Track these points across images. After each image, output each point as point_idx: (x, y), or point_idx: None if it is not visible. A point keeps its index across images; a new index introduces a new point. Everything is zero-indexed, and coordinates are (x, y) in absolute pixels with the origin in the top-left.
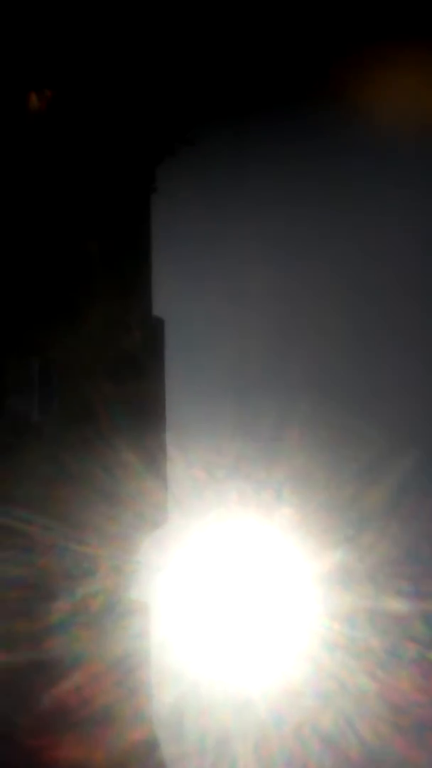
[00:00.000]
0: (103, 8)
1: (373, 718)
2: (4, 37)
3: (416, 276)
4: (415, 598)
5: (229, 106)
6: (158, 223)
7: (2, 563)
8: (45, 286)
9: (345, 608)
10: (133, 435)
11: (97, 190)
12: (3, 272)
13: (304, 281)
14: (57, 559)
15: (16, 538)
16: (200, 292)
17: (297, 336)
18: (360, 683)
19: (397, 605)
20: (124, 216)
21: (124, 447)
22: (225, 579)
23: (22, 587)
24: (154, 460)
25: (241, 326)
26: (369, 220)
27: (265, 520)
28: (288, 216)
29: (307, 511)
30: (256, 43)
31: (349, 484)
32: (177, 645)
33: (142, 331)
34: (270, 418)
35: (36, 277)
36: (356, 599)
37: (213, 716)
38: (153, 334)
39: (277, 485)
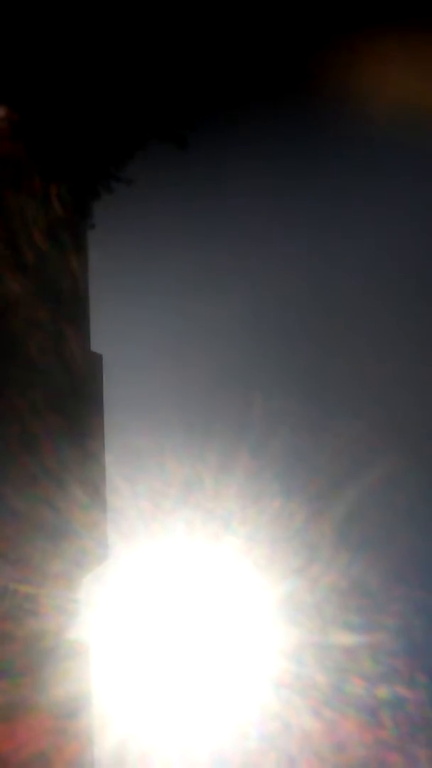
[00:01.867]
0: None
1: (317, 759)
2: None
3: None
4: (364, 631)
5: (169, 139)
6: (95, 258)
7: None
8: None
9: (291, 643)
10: (73, 469)
11: (32, 226)
12: None
13: (244, 316)
14: None
15: None
16: (139, 326)
17: (241, 367)
18: (305, 722)
19: (345, 639)
20: (60, 252)
21: (65, 481)
22: (170, 614)
23: None
24: (96, 493)
25: (183, 358)
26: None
27: (213, 552)
28: (231, 249)
29: (256, 542)
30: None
31: (298, 514)
32: (119, 687)
33: (81, 366)
34: (218, 446)
35: None
36: (303, 633)
37: (155, 762)
38: (92, 369)
39: (225, 515)
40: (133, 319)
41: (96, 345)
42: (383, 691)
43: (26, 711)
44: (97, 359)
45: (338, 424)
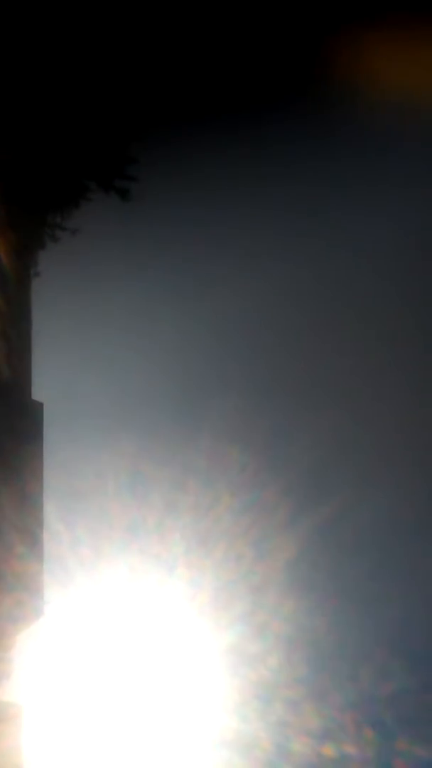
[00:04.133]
0: None
1: None
2: None
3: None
4: (309, 683)
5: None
6: (39, 306)
7: None
8: None
9: (234, 696)
10: (10, 517)
11: None
12: None
13: (188, 364)
14: None
15: None
16: (82, 375)
17: (182, 408)
18: None
19: (290, 692)
20: (3, 300)
21: (2, 532)
22: (109, 669)
23: None
24: (33, 541)
25: (125, 403)
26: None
27: (156, 598)
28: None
29: (200, 587)
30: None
31: (244, 557)
32: (54, 753)
33: (21, 415)
34: (163, 488)
35: None
36: (246, 685)
37: None
38: (32, 417)
39: (170, 559)
40: (76, 367)
41: (37, 393)
42: (329, 749)
43: None
44: (37, 407)
45: (282, 465)
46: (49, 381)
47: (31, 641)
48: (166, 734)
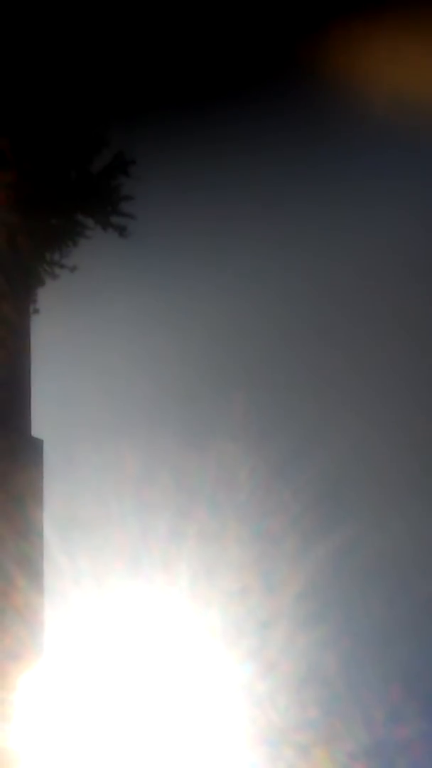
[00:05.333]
0: None
1: None
2: None
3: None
4: (321, 727)
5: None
6: (39, 343)
7: None
8: None
9: (242, 740)
10: (10, 552)
11: None
12: None
13: (191, 392)
14: None
15: None
16: (81, 411)
17: (192, 438)
18: None
19: (301, 736)
20: (3, 337)
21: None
22: (113, 710)
23: None
24: (34, 576)
25: (125, 434)
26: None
27: (162, 633)
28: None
29: (208, 622)
30: None
31: (251, 591)
32: None
33: (21, 452)
34: (167, 516)
35: None
36: (255, 728)
37: None
38: (32, 454)
39: (176, 592)
40: (76, 401)
41: (37, 428)
42: None
43: None
44: (37, 444)
45: (291, 491)
46: (49, 415)
47: (31, 681)
48: None
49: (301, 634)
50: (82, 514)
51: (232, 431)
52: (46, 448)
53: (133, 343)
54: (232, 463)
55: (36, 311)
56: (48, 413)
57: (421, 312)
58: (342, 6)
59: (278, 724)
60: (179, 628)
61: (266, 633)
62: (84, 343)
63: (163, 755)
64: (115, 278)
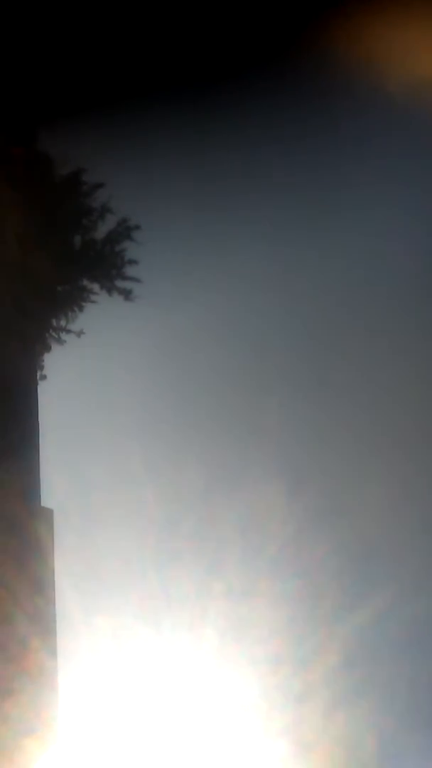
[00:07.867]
0: None
1: None
2: None
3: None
4: None
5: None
6: (46, 410)
7: None
8: None
9: None
10: (22, 612)
11: None
12: None
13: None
14: None
15: None
16: (90, 480)
17: (217, 488)
18: None
19: None
20: (10, 404)
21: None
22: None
23: None
24: (46, 636)
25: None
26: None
27: (186, 704)
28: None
29: (237, 696)
30: None
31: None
32: None
33: (29, 523)
34: (191, 570)
35: None
36: None
37: None
38: (41, 525)
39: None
40: (86, 468)
41: (46, 499)
42: None
43: None
44: (47, 514)
45: (328, 547)
46: (58, 485)
47: (46, 758)
48: None
49: (339, 711)
50: (98, 571)
51: (264, 472)
52: (57, 517)
53: (144, 404)
54: (264, 509)
55: (43, 378)
56: (57, 481)
57: None
58: None
59: None
60: (204, 697)
61: (300, 709)
62: (92, 406)
63: None
64: (122, 341)
